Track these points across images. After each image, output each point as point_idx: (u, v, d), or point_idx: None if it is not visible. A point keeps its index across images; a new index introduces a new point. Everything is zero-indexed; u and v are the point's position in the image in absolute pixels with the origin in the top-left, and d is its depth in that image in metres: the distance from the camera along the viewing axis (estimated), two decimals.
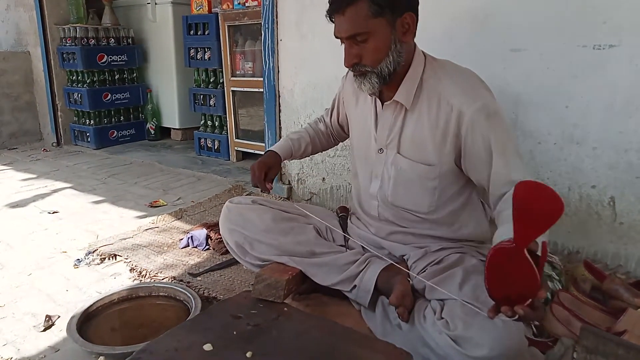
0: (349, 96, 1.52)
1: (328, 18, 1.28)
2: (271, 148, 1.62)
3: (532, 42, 1.71)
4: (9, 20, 4.23)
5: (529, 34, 1.71)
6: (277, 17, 2.43)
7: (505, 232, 0.97)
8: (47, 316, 1.49)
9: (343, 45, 1.27)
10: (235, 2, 3.05)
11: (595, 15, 1.58)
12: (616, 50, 1.57)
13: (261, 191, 1.53)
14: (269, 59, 2.51)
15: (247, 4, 2.99)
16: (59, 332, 1.44)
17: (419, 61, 1.31)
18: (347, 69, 1.50)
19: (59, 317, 1.51)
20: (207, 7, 3.34)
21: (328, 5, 1.26)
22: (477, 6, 1.79)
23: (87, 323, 1.44)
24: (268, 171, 1.52)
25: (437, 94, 1.28)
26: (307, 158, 2.26)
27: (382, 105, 1.37)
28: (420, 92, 1.30)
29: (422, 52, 1.34)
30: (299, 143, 1.67)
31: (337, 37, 1.27)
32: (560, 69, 1.67)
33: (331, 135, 1.75)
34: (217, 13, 3.22)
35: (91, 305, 1.48)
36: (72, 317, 1.42)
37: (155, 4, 3.93)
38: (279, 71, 2.51)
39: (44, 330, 1.45)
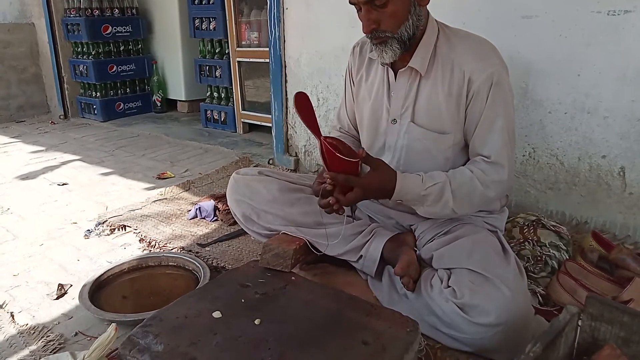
0: (358, 71, 1.48)
1: None
2: None
3: (544, 9, 1.66)
4: None
5: (540, 0, 1.66)
6: None
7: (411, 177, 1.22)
8: (59, 285, 1.52)
9: (359, 13, 1.22)
10: None
11: None
12: (631, 15, 1.53)
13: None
14: (274, 29, 2.48)
15: None
16: (71, 300, 1.47)
17: (432, 28, 1.29)
18: (353, 43, 1.49)
19: (71, 285, 1.54)
20: None
21: None
22: None
23: (98, 291, 1.47)
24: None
25: (451, 61, 1.26)
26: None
27: (396, 75, 1.35)
28: (434, 60, 1.28)
29: (435, 19, 1.31)
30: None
31: (353, 4, 1.22)
32: (573, 36, 1.63)
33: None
34: None
35: (102, 274, 1.51)
36: (84, 286, 1.44)
37: None
38: (284, 41, 2.48)
39: (57, 298, 1.48)
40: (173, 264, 1.61)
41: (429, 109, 1.31)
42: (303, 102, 1.17)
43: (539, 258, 1.45)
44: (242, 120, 3.42)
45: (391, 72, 1.36)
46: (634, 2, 1.51)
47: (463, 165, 1.35)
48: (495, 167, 1.23)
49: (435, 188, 1.21)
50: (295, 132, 2.58)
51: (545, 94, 1.73)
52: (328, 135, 1.24)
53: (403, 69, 1.31)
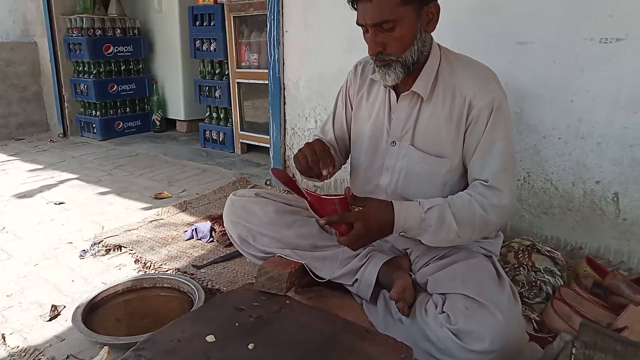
0: (358, 91, 1.50)
1: (350, 4, 1.25)
2: None
3: (539, 35, 1.70)
4: (16, 10, 4.24)
5: (535, 27, 1.70)
6: (282, 8, 2.43)
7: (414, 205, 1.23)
8: (53, 306, 1.51)
9: (365, 34, 1.25)
10: None
11: (602, 8, 1.57)
12: (622, 43, 1.56)
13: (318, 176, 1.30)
14: (274, 51, 2.51)
15: None
16: (64, 321, 1.46)
17: (435, 53, 1.31)
18: (354, 64, 1.51)
19: (65, 307, 1.53)
20: None
21: None
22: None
23: (92, 313, 1.46)
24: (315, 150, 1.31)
25: (452, 86, 1.28)
26: None
27: (397, 97, 1.37)
28: (436, 84, 1.31)
29: (438, 44, 1.34)
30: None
31: (360, 25, 1.24)
32: (567, 63, 1.67)
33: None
34: (223, 4, 3.21)
35: (96, 296, 1.50)
36: (78, 307, 1.44)
37: None
38: (284, 63, 2.51)
39: (50, 319, 1.47)
40: (168, 285, 1.60)
41: (429, 133, 1.32)
42: (281, 174, 1.31)
43: (533, 283, 1.45)
44: (241, 140, 3.45)
45: (393, 94, 1.38)
46: (626, 31, 1.55)
47: (461, 188, 1.36)
48: (493, 191, 1.23)
49: (434, 211, 1.21)
50: (293, 153, 2.60)
51: (540, 119, 1.75)
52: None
53: (405, 93, 1.33)
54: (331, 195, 1.19)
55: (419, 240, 1.25)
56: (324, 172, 1.27)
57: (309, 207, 1.23)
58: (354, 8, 1.25)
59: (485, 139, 1.25)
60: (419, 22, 1.23)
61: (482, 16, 1.80)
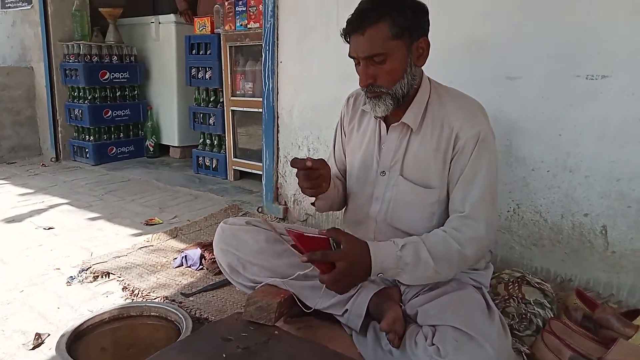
0: (350, 122, 1.53)
1: (343, 38, 1.29)
2: None
3: (528, 71, 1.74)
4: (14, 35, 4.29)
5: (524, 63, 1.74)
6: (277, 39, 2.48)
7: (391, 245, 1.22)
8: (36, 334, 1.48)
9: (357, 66, 1.28)
10: (238, 24, 3.10)
11: (588, 46, 1.62)
12: (608, 80, 1.60)
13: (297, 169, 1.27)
14: (268, 80, 2.55)
15: (249, 26, 3.04)
16: (48, 350, 1.43)
17: (425, 86, 1.35)
18: (347, 95, 1.54)
19: (49, 335, 1.50)
20: (209, 28, 3.39)
21: (346, 24, 1.26)
22: (474, 34, 1.84)
23: (76, 342, 1.42)
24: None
25: (441, 118, 1.31)
26: None
27: (387, 128, 1.39)
28: (425, 116, 1.33)
29: (428, 77, 1.37)
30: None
31: (352, 57, 1.28)
32: (555, 98, 1.70)
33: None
34: (220, 34, 3.27)
35: (81, 324, 1.47)
36: (62, 336, 1.40)
37: (159, 23, 4.00)
38: (278, 92, 2.54)
39: (33, 348, 1.44)
40: (155, 314, 1.58)
41: (417, 164, 1.34)
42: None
43: (524, 316, 1.44)
44: (234, 167, 3.45)
45: (383, 125, 1.40)
46: (611, 68, 1.59)
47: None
48: (469, 222, 1.24)
49: (409, 248, 1.21)
50: (285, 181, 2.61)
51: (529, 152, 1.78)
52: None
53: (395, 124, 1.35)
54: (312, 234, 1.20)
55: (397, 281, 1.25)
56: (308, 163, 1.22)
57: (292, 247, 1.24)
58: (347, 41, 1.28)
59: (469, 169, 1.27)
60: (409, 57, 1.26)
61: (473, 51, 1.85)
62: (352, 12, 1.26)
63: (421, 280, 1.26)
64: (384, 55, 1.22)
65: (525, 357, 1.35)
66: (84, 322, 1.49)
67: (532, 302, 1.48)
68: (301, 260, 1.18)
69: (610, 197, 1.64)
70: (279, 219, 2.60)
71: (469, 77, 1.85)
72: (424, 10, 1.28)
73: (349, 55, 1.28)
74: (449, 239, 1.23)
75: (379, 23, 1.21)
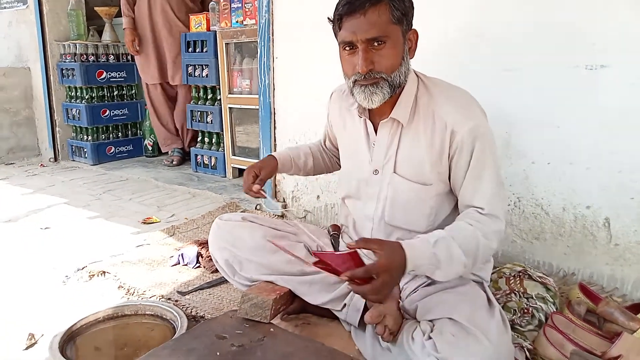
0: (336, 118, 1.51)
1: (334, 23, 1.23)
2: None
3: (525, 63, 1.71)
4: (10, 36, 4.26)
5: (521, 55, 1.71)
6: (273, 35, 2.45)
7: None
8: (30, 334, 1.46)
9: (351, 56, 1.21)
10: (234, 21, 3.07)
11: (586, 36, 1.59)
12: (607, 70, 1.57)
13: (253, 196, 1.44)
14: (264, 77, 2.52)
15: (244, 22, 3.01)
16: (41, 350, 1.41)
17: (412, 79, 1.31)
18: (331, 92, 1.52)
19: (43, 335, 1.48)
20: (205, 25, 3.36)
21: (341, 6, 1.20)
22: (470, 26, 1.80)
23: (70, 341, 1.41)
24: (259, 172, 1.47)
25: (432, 112, 1.27)
26: (302, 177, 2.26)
27: (375, 125, 1.35)
28: (415, 110, 1.30)
29: (413, 69, 1.33)
30: (297, 151, 1.64)
31: (348, 42, 1.20)
32: (553, 89, 1.67)
33: (334, 156, 1.70)
34: (216, 31, 3.24)
35: (75, 324, 1.45)
36: (55, 336, 1.38)
37: None
38: (274, 89, 2.52)
39: (27, 348, 1.42)
40: (150, 313, 1.56)
41: (411, 160, 1.31)
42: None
43: (525, 310, 1.42)
44: (232, 165, 3.43)
45: (369, 123, 1.36)
46: (609, 58, 1.56)
47: (447, 213, 1.35)
48: (491, 218, 1.22)
49: (441, 244, 1.15)
50: (284, 178, 2.58)
51: (529, 145, 1.75)
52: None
53: (385, 120, 1.32)
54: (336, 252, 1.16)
55: (427, 277, 1.21)
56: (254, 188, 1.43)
57: (324, 269, 1.15)
58: (338, 27, 1.23)
59: (474, 166, 1.23)
60: (405, 45, 1.23)
61: (469, 44, 1.82)
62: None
63: (451, 275, 1.19)
64: (385, 39, 1.17)
65: (527, 352, 1.32)
66: (78, 321, 1.47)
67: (534, 296, 1.45)
68: (342, 280, 1.13)
69: (612, 189, 1.61)
70: (278, 215, 2.57)
71: (465, 70, 1.82)
72: (412, 3, 1.25)
73: (343, 41, 1.21)
74: (477, 232, 1.18)
75: (381, 4, 1.16)
